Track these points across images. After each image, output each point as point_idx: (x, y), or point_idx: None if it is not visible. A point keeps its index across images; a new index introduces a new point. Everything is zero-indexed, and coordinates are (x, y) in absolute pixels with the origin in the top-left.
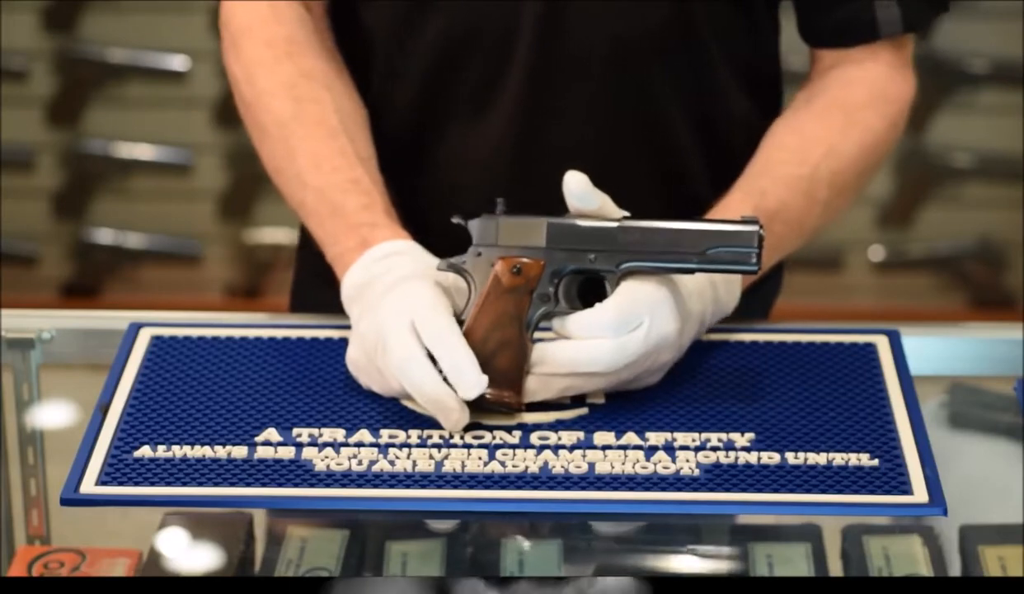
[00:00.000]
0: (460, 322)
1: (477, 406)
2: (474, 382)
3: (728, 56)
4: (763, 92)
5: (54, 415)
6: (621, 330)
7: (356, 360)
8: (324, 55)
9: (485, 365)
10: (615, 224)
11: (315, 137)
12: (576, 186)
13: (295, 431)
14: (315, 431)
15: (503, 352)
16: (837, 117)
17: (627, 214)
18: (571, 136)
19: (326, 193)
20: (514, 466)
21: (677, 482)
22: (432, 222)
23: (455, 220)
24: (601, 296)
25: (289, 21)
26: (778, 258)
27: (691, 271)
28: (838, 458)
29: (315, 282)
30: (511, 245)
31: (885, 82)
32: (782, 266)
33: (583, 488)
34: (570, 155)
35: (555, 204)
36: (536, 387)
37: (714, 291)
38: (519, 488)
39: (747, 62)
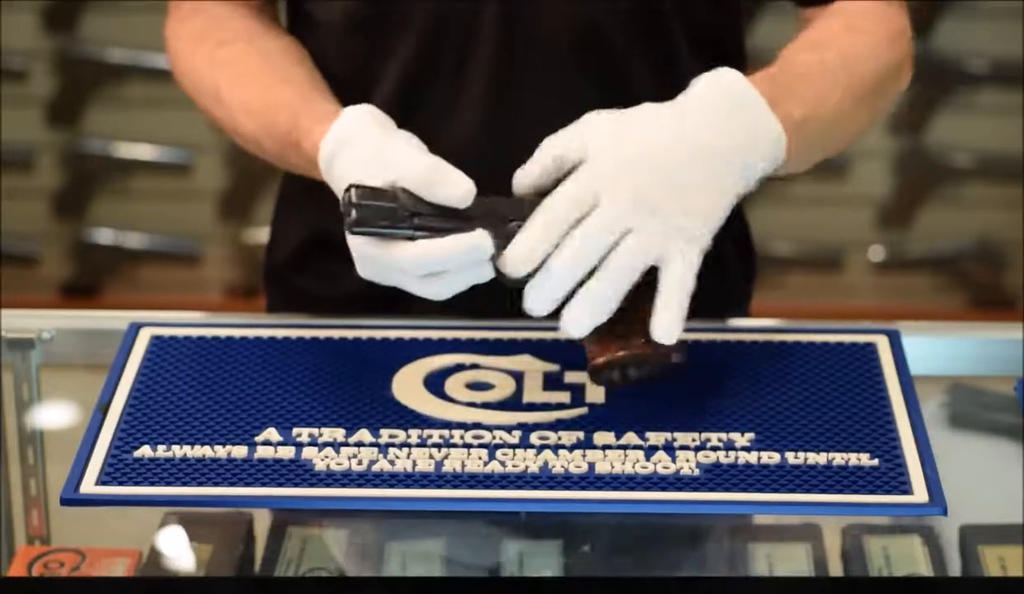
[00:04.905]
0: None
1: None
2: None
3: (692, 35)
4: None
5: (54, 415)
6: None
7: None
8: (249, 19)
9: None
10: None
11: (245, 77)
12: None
13: (295, 431)
14: (315, 431)
15: None
16: (838, 23)
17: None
18: (541, 120)
19: (266, 97)
20: (514, 466)
21: (677, 482)
22: None
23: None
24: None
25: (210, 13)
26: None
27: None
28: (838, 458)
29: (288, 264)
30: None
31: (881, 8)
32: (752, 252)
33: (583, 488)
34: (542, 138)
35: None
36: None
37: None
38: (519, 488)
39: (710, 38)
